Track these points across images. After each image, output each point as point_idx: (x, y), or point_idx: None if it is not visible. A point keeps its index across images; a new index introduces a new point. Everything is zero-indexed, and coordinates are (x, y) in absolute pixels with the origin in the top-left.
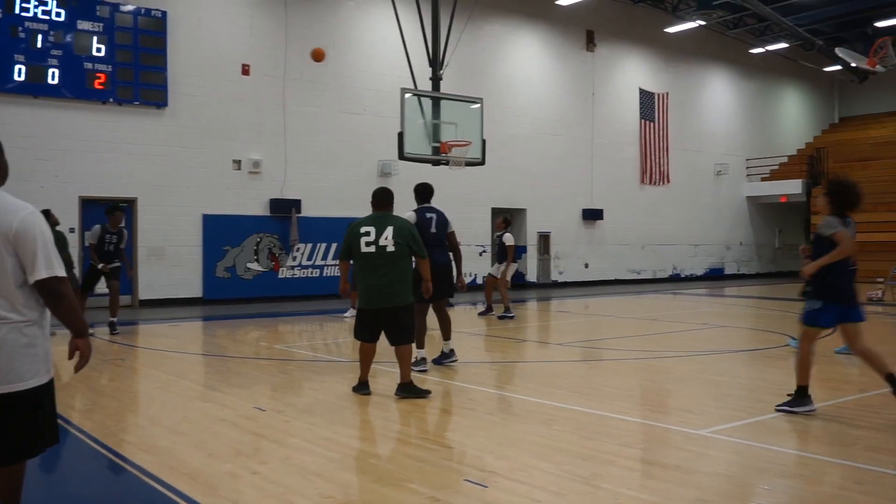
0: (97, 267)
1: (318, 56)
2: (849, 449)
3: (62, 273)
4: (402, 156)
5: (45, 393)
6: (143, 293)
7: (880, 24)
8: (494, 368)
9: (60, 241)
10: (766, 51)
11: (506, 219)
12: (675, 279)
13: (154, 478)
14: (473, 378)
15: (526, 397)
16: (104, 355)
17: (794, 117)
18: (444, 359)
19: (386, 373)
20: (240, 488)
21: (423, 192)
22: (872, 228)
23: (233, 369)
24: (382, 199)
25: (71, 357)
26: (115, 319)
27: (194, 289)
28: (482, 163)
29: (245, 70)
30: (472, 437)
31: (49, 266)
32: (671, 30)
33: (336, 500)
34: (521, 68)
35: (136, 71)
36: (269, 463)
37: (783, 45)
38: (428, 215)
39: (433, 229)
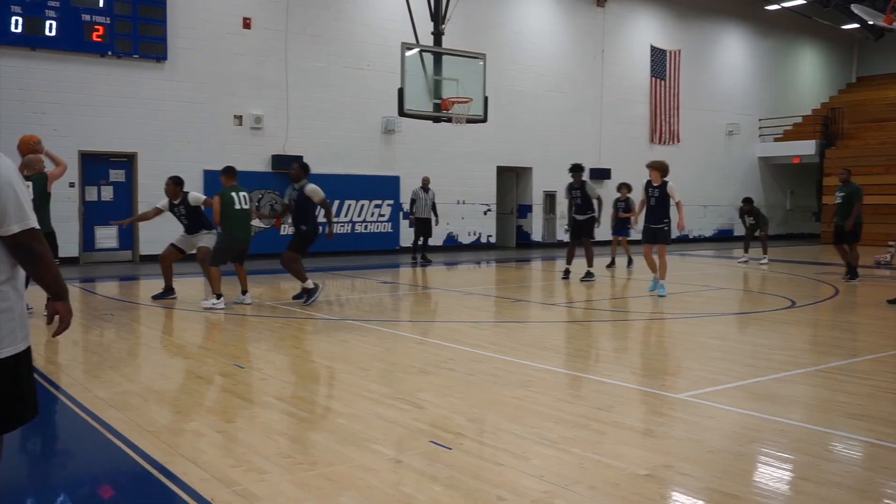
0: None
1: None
2: (828, 415)
3: (36, 225)
4: (401, 112)
5: (23, 362)
6: (144, 248)
7: None
8: (483, 329)
9: None
10: (782, 7)
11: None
12: (683, 240)
13: (117, 434)
14: (459, 337)
15: (509, 358)
16: (95, 311)
17: (809, 76)
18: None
19: (372, 331)
20: (201, 447)
21: None
22: (885, 191)
23: (221, 326)
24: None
25: (50, 322)
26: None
27: None
28: (484, 120)
29: (246, 23)
30: (446, 397)
31: (21, 218)
32: None
33: (294, 460)
34: (527, 24)
35: (135, 23)
36: (236, 421)
37: (800, 1)
38: None
39: None
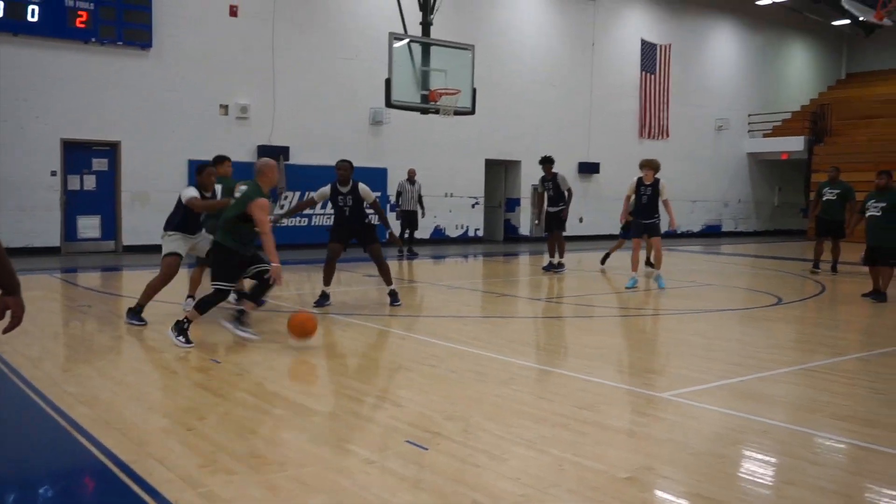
0: None
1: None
2: (813, 416)
3: None
4: (388, 103)
5: None
6: (127, 239)
7: None
8: (467, 324)
9: None
10: (773, 2)
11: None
12: (671, 235)
13: (84, 432)
14: (442, 333)
15: (492, 354)
16: (72, 302)
17: (799, 72)
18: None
19: (355, 326)
20: (169, 445)
21: None
22: (873, 188)
23: (201, 319)
24: None
25: (1, 317)
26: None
27: None
28: (472, 112)
29: (233, 11)
30: (426, 395)
31: None
32: None
33: (264, 460)
34: (517, 15)
35: (120, 10)
36: (207, 418)
37: None
38: None
39: None
